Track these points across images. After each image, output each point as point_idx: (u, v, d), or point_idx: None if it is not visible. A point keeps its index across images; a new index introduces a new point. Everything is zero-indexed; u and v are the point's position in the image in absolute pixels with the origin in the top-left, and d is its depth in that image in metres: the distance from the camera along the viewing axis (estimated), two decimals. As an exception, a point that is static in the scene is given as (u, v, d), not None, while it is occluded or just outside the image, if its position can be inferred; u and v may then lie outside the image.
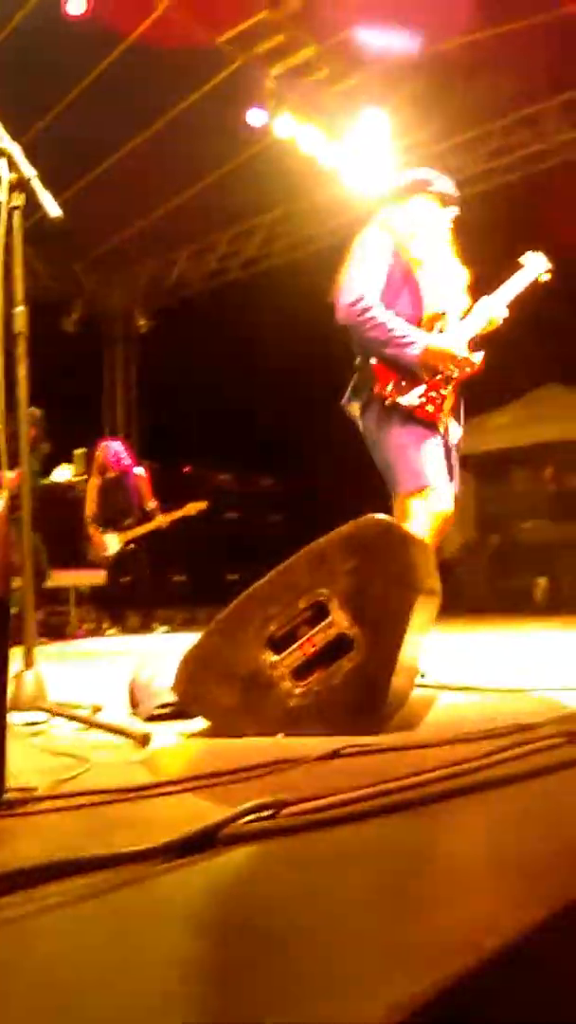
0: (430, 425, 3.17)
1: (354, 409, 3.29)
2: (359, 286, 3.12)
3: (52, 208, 2.19)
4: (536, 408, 11.27)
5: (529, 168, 9.03)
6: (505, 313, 3.34)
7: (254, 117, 7.93)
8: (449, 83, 7.79)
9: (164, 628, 7.63)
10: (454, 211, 3.36)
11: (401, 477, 3.15)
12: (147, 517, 7.89)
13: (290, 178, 9.13)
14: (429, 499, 3.08)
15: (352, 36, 7.37)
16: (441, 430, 3.20)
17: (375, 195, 8.71)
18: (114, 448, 8.15)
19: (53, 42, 6.64)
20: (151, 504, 7.96)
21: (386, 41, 7.37)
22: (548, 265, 3.46)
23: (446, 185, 3.39)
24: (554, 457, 11.30)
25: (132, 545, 7.78)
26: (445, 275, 3.31)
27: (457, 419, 3.31)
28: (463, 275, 3.37)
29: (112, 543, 7.74)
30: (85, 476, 9.53)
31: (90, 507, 7.93)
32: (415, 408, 3.14)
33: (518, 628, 5.80)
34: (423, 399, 3.15)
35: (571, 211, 9.12)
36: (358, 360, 3.25)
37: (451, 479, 3.22)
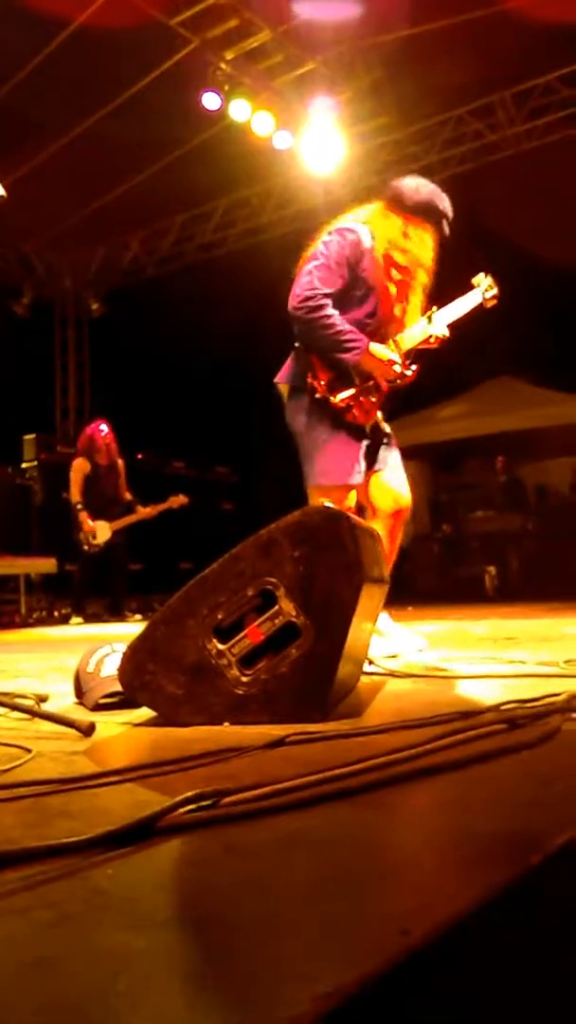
0: (357, 429, 3.23)
1: (283, 388, 3.32)
2: (316, 282, 3.12)
3: (-3, 188, 2.14)
4: (488, 400, 11.41)
5: (482, 159, 9.10)
6: (446, 333, 3.34)
7: (208, 100, 7.86)
8: (404, 72, 7.80)
9: (138, 617, 7.58)
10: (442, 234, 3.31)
11: (316, 471, 3.21)
12: (128, 507, 7.83)
13: (245, 163, 9.09)
14: (340, 498, 3.15)
15: (306, 23, 7.34)
16: (367, 431, 3.27)
17: (339, 182, 8.73)
18: (110, 433, 7.92)
19: (2, 22, 6.50)
20: (127, 495, 7.90)
21: (340, 28, 7.35)
22: (495, 291, 3.47)
23: (448, 216, 3.29)
24: (505, 448, 11.45)
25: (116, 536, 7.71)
26: (409, 288, 3.29)
27: (383, 418, 3.38)
28: (421, 289, 3.35)
29: (103, 531, 7.61)
30: (35, 462, 9.39)
31: (76, 493, 7.68)
32: (343, 411, 3.18)
33: (468, 616, 5.88)
34: (351, 404, 3.19)
35: (523, 203, 9.21)
36: (297, 346, 3.27)
37: (371, 467, 3.29)
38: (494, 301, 3.48)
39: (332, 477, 3.20)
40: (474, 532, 11.28)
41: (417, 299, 3.35)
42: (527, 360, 10.98)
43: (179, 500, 7.94)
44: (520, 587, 9.96)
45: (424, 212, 3.25)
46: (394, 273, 3.23)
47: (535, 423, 10.89)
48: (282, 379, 3.32)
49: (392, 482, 3.33)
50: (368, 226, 3.25)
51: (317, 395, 3.18)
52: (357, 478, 3.21)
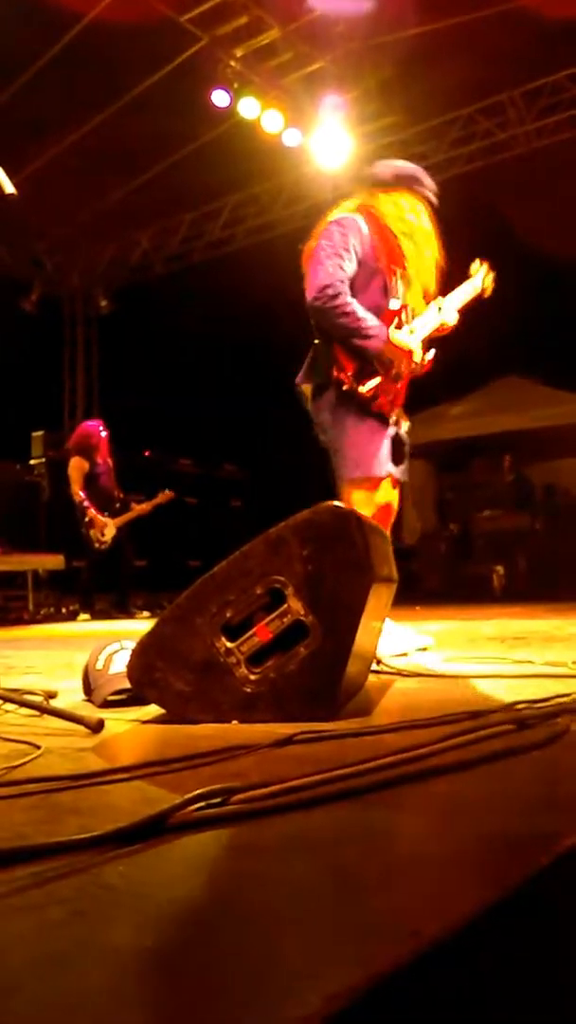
0: (382, 418, 3.23)
1: (306, 389, 3.31)
2: (331, 271, 3.12)
3: (7, 185, 2.15)
4: (496, 399, 11.38)
5: (491, 157, 9.08)
6: (456, 319, 3.39)
7: (218, 98, 7.86)
8: (413, 71, 7.78)
9: (145, 614, 7.59)
10: (432, 207, 3.38)
11: (349, 465, 3.20)
12: (124, 504, 7.87)
13: (254, 160, 9.08)
14: (372, 487, 3.14)
15: (316, 21, 7.33)
16: (392, 422, 3.27)
17: (346, 179, 8.72)
18: (103, 432, 7.95)
19: (13, 18, 6.51)
20: (119, 492, 7.95)
21: (349, 26, 7.34)
22: (491, 281, 3.52)
23: (427, 183, 3.39)
24: (513, 447, 11.43)
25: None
26: (413, 271, 3.32)
27: (404, 412, 3.38)
28: (432, 274, 3.38)
29: (110, 528, 7.65)
30: (43, 458, 9.40)
31: (78, 491, 7.70)
32: (371, 400, 3.18)
33: (475, 616, 5.87)
34: (378, 392, 3.19)
35: (532, 201, 9.18)
36: (318, 342, 3.26)
37: (397, 466, 3.28)
38: (491, 288, 3.55)
39: (364, 469, 3.20)
40: (482, 531, 11.26)
41: (425, 283, 3.36)
42: (536, 359, 10.95)
43: (166, 495, 7.98)
44: (528, 587, 9.94)
45: (405, 181, 3.34)
46: (400, 247, 3.26)
47: (544, 422, 10.87)
48: (303, 380, 3.33)
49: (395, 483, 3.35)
50: (360, 214, 3.28)
51: (344, 387, 3.18)
52: (388, 467, 3.21)
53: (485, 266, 3.54)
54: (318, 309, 3.14)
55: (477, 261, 3.56)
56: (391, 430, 3.27)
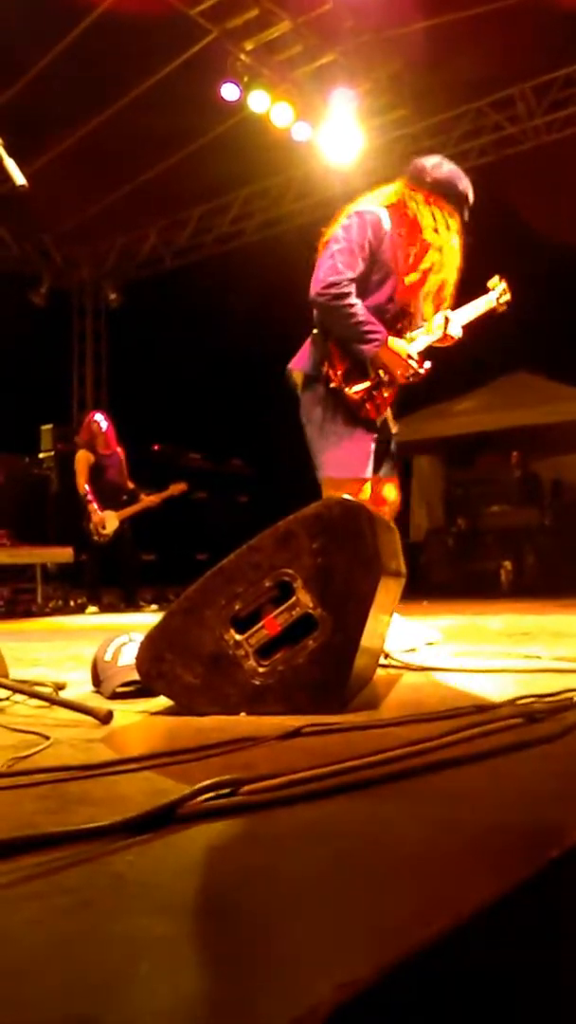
0: (368, 423, 3.20)
1: (297, 376, 3.28)
2: (340, 267, 3.06)
3: (18, 176, 2.15)
4: (504, 394, 11.34)
5: (502, 151, 9.04)
6: (460, 334, 3.33)
7: (227, 91, 7.84)
8: (423, 64, 7.75)
9: (153, 607, 7.60)
10: (463, 214, 3.25)
11: (329, 463, 3.19)
12: (132, 496, 7.88)
13: (264, 154, 9.06)
14: (350, 491, 3.12)
15: (326, 15, 7.31)
16: (377, 426, 3.24)
17: (357, 173, 8.69)
18: (107, 423, 7.95)
19: (24, 11, 6.50)
20: (130, 484, 7.95)
21: (360, 20, 7.31)
22: (508, 297, 3.48)
23: (470, 201, 3.23)
24: (521, 443, 11.39)
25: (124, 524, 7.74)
26: (431, 283, 3.24)
27: (392, 415, 3.36)
28: (449, 290, 3.31)
29: (111, 522, 7.65)
30: (52, 452, 9.42)
31: (83, 483, 7.71)
32: (356, 403, 3.15)
33: (483, 611, 5.86)
34: (365, 397, 3.16)
35: (542, 195, 9.14)
36: (316, 332, 3.23)
37: (378, 470, 3.29)
38: (505, 307, 3.50)
39: (345, 470, 3.18)
40: (489, 527, 11.23)
41: (440, 295, 3.30)
42: (544, 355, 10.91)
43: (179, 487, 7.99)
44: (536, 582, 9.91)
45: (444, 190, 3.17)
46: (416, 257, 3.15)
47: (552, 418, 10.82)
48: (297, 366, 3.27)
49: (384, 483, 3.35)
50: (388, 209, 3.19)
51: (332, 384, 3.14)
52: (369, 471, 3.20)
53: (503, 284, 3.47)
54: (321, 305, 3.10)
55: (496, 277, 3.48)
56: (376, 435, 3.24)
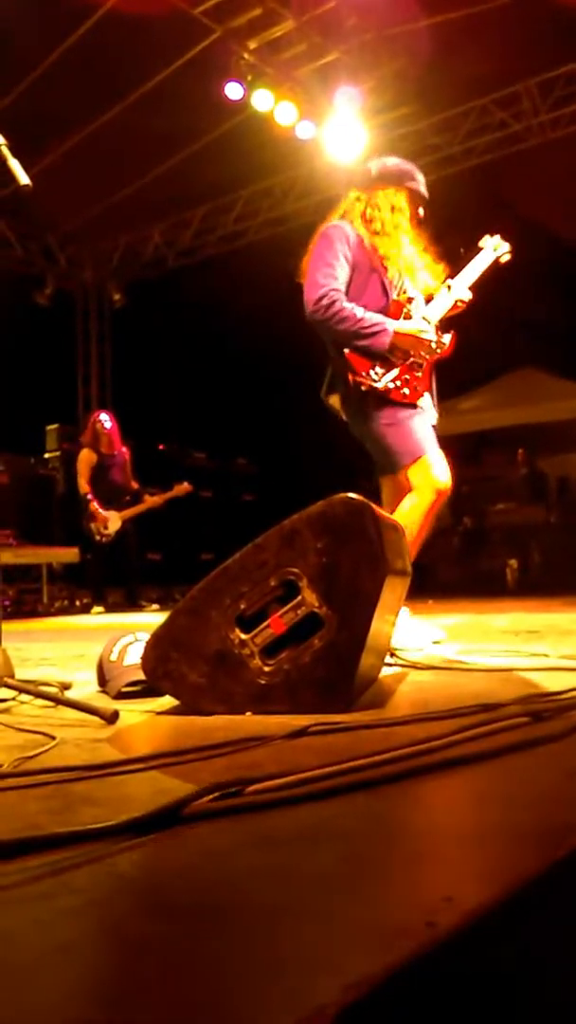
0: (409, 406, 3.23)
1: (334, 401, 3.36)
2: (322, 281, 3.16)
3: (22, 177, 2.15)
4: (509, 392, 11.33)
5: (506, 148, 9.01)
6: (469, 295, 3.40)
7: (231, 90, 7.83)
8: (427, 61, 7.73)
9: (154, 607, 7.60)
10: (421, 200, 3.40)
11: (397, 453, 3.22)
12: (136, 496, 7.87)
13: (267, 153, 9.05)
14: (428, 468, 3.14)
15: (330, 12, 7.29)
16: (420, 408, 3.26)
17: (344, 180, 8.68)
18: (112, 423, 7.95)
19: (28, 11, 6.50)
20: (135, 484, 7.95)
21: (363, 17, 7.30)
22: (507, 246, 3.53)
23: (417, 178, 3.41)
24: (527, 440, 11.38)
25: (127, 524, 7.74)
26: (411, 262, 3.33)
27: (433, 400, 3.38)
28: (428, 261, 3.40)
29: (114, 522, 7.65)
30: (58, 451, 9.42)
31: (84, 484, 7.72)
32: (391, 392, 3.18)
33: (489, 609, 5.85)
34: (398, 383, 3.19)
35: (548, 192, 9.12)
36: (332, 352, 3.29)
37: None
38: (508, 256, 3.57)
39: (414, 452, 3.19)
40: (495, 525, 11.22)
41: (424, 269, 3.36)
42: (550, 352, 10.89)
43: (184, 488, 7.99)
44: (542, 580, 9.89)
45: (388, 177, 3.36)
46: (384, 246, 3.27)
47: (558, 415, 10.81)
48: (329, 393, 3.36)
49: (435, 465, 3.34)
50: (345, 217, 3.35)
51: (363, 388, 3.19)
52: (431, 443, 3.21)
53: (496, 238, 3.56)
54: (317, 321, 3.18)
55: (487, 236, 3.57)
56: (421, 413, 3.27)
